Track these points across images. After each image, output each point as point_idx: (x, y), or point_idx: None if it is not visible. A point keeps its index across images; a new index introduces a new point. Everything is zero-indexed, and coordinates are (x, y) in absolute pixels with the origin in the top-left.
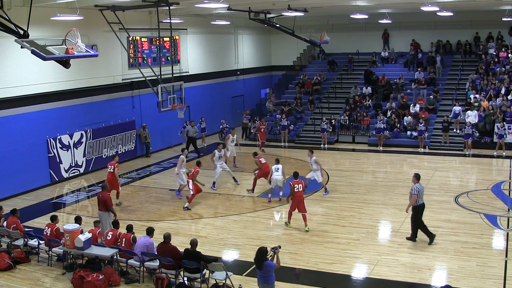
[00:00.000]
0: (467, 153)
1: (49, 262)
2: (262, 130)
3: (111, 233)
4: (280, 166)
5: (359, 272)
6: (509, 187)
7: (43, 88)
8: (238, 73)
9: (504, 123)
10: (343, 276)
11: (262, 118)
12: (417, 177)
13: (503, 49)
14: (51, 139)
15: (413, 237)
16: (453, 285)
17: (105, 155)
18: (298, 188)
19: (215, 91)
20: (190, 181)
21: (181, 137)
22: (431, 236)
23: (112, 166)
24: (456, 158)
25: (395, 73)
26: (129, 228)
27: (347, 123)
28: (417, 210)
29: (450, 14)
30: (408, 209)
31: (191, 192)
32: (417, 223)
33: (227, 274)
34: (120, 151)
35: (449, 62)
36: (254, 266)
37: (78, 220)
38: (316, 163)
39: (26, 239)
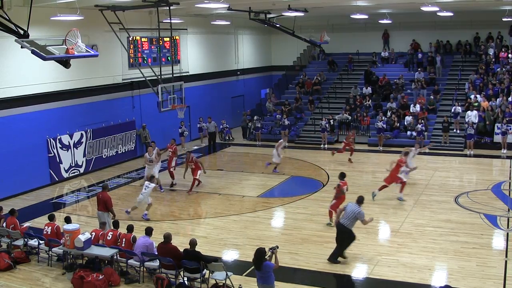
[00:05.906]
0: (468, 153)
1: (49, 262)
2: (350, 140)
3: (111, 233)
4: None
5: (359, 272)
6: (509, 187)
7: (43, 88)
8: (238, 73)
9: (504, 123)
10: (343, 276)
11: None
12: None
13: (503, 49)
14: (51, 139)
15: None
16: (453, 285)
17: (105, 155)
18: (346, 189)
19: (215, 91)
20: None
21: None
22: (338, 258)
23: None
24: (456, 158)
25: (395, 73)
26: (130, 229)
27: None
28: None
29: (450, 14)
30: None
31: None
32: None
33: (227, 274)
34: (120, 151)
35: (449, 62)
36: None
37: (68, 220)
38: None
39: (26, 239)
